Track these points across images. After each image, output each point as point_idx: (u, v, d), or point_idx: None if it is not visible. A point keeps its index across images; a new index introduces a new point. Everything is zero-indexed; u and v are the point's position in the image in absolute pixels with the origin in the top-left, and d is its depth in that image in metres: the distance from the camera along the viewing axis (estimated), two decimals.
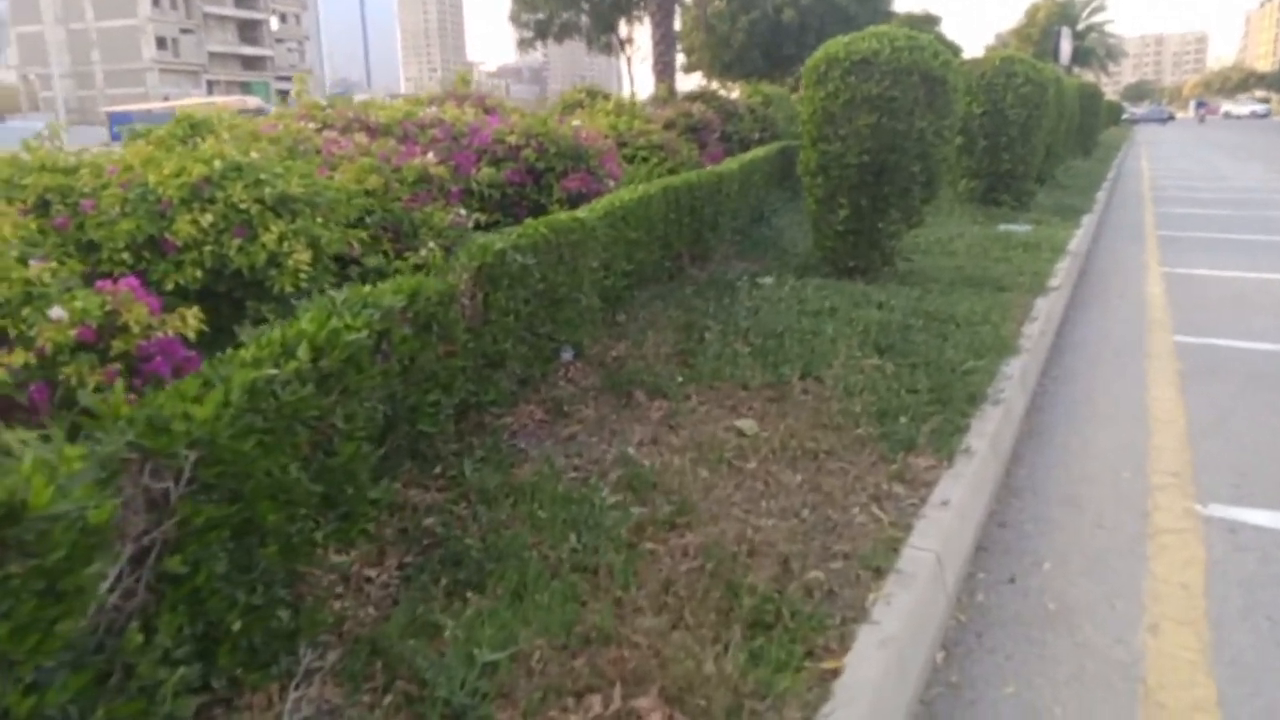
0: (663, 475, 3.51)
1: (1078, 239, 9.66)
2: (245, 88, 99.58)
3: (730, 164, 9.74)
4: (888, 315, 5.83)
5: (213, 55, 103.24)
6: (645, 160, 11.18)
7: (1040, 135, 11.41)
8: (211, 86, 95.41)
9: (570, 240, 4.94)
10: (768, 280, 7.28)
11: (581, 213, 5.43)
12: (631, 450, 3.81)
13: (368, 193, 5.75)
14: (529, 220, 4.68)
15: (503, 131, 7.65)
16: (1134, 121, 67.93)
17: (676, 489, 3.38)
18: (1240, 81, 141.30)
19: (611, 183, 8.20)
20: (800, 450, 3.79)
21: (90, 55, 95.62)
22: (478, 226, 6.72)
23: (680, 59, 34.74)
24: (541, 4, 26.89)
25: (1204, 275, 8.99)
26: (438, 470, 3.50)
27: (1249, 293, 8.12)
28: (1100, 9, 75.94)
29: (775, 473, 3.57)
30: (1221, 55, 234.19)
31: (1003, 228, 10.27)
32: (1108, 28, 77.79)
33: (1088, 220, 11.50)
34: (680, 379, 4.71)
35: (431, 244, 5.00)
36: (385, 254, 4.89)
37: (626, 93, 22.34)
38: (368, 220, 5.77)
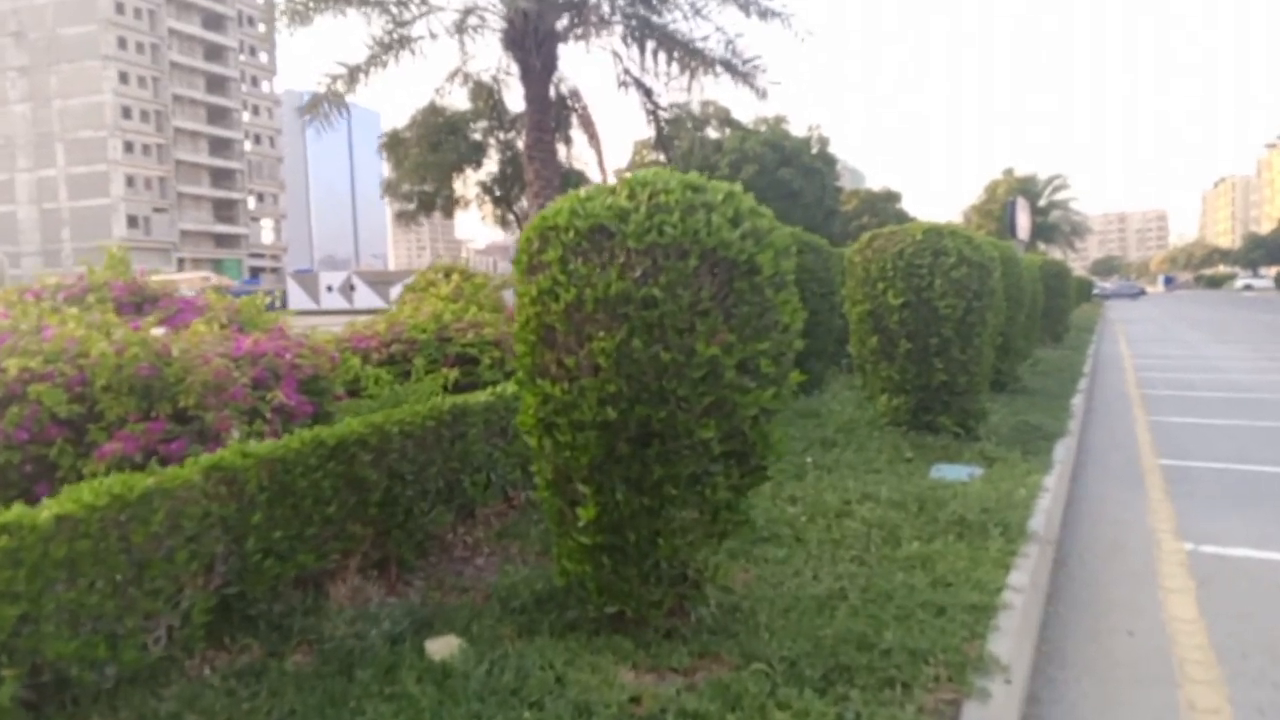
0: None
1: (1047, 500, 6.21)
2: (217, 264, 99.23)
3: (507, 388, 6.37)
4: None
5: (185, 233, 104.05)
6: (472, 364, 7.98)
7: (987, 333, 8.16)
8: (181, 263, 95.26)
9: None
10: (448, 646, 3.74)
11: None
12: None
13: None
14: None
15: (4, 352, 4.33)
16: (1104, 297, 66.22)
17: None
18: (1204, 257, 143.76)
19: (235, 435, 4.79)
20: None
21: (61, 234, 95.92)
22: None
23: None
24: (420, 176, 24.29)
25: (1248, 562, 5.53)
26: None
27: None
28: (1063, 186, 76.49)
29: None
30: (1184, 232, 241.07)
31: (937, 473, 6.86)
32: (1072, 204, 78.27)
33: (1061, 450, 8.11)
34: None
35: None
36: None
37: None
38: None
